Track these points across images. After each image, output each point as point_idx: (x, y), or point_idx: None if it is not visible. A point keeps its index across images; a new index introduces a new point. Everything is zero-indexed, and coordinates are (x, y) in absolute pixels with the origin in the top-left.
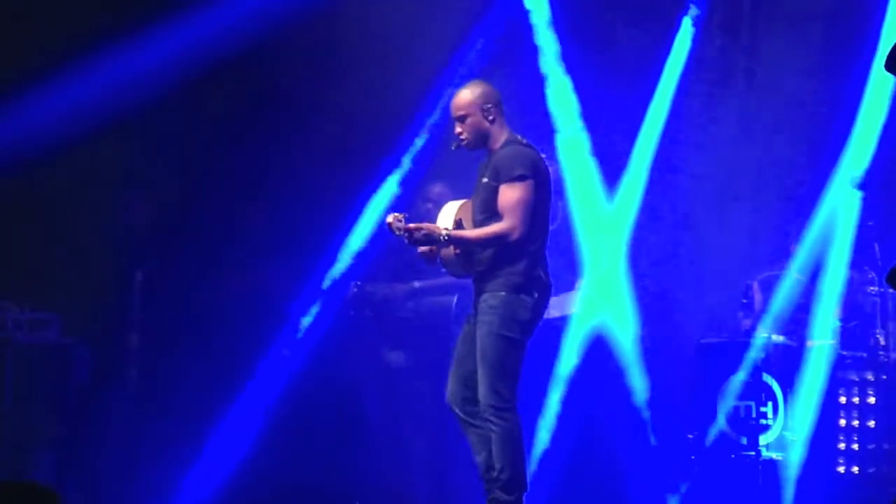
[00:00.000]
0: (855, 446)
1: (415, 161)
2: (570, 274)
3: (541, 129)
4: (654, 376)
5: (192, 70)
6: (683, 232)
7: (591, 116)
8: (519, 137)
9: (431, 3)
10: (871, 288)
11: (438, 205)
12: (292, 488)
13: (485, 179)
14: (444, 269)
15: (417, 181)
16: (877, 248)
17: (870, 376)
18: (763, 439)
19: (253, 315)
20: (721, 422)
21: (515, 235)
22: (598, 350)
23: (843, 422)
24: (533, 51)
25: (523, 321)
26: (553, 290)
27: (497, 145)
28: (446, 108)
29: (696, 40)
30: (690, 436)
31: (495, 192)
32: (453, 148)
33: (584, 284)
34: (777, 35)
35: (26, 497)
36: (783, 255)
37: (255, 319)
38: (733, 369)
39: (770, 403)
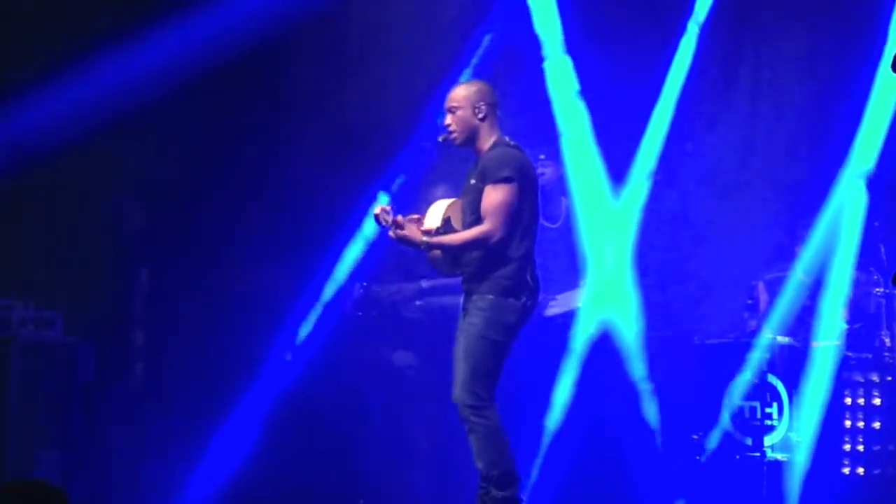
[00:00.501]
0: (860, 447)
1: (417, 163)
2: (573, 272)
3: (545, 128)
4: (658, 377)
5: (193, 70)
6: (687, 232)
7: (597, 116)
8: (508, 140)
9: (435, 3)
10: (877, 289)
11: None
12: (297, 487)
13: (472, 181)
14: (433, 269)
15: (420, 183)
16: (882, 249)
17: (875, 377)
18: (768, 440)
19: (258, 313)
20: (726, 423)
21: (496, 238)
22: (603, 350)
23: (848, 423)
24: (538, 50)
25: (510, 324)
26: (556, 289)
27: (486, 146)
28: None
29: (702, 42)
30: (695, 436)
31: (482, 193)
32: (440, 140)
33: (588, 283)
34: (783, 36)
35: (37, 497)
36: (788, 255)
37: (259, 318)
38: (738, 370)
39: (775, 404)
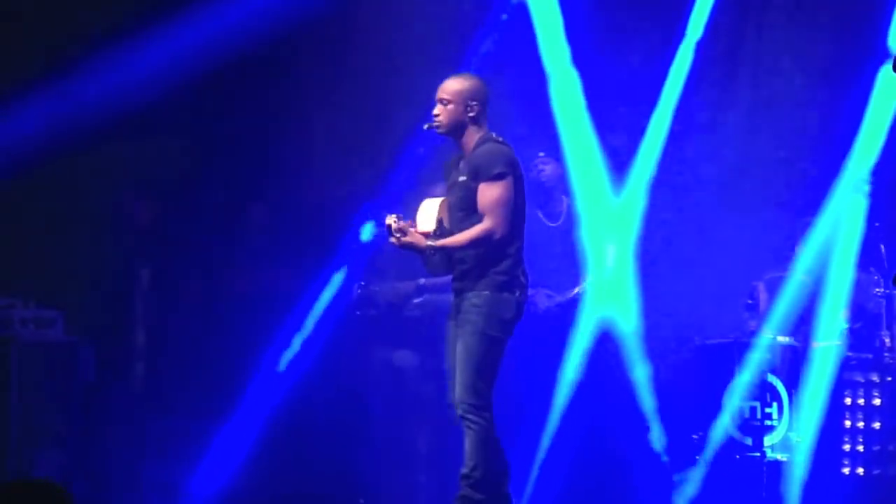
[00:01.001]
0: (860, 448)
1: (417, 162)
2: (574, 271)
3: (546, 127)
4: (658, 377)
5: (195, 69)
6: (687, 232)
7: (598, 116)
8: (494, 135)
9: (436, 3)
10: (877, 289)
11: None
12: (296, 487)
13: (462, 178)
14: (426, 270)
15: (418, 181)
16: (883, 249)
17: (875, 378)
18: (768, 440)
19: (258, 313)
20: (726, 423)
21: (499, 234)
22: (603, 350)
23: (848, 423)
24: (539, 49)
25: (507, 320)
26: (556, 288)
27: (472, 142)
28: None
29: (702, 43)
30: (695, 436)
31: (474, 190)
32: (425, 128)
33: (589, 283)
34: (783, 37)
35: (43, 497)
36: (789, 255)
37: (259, 318)
38: (739, 370)
39: (775, 404)
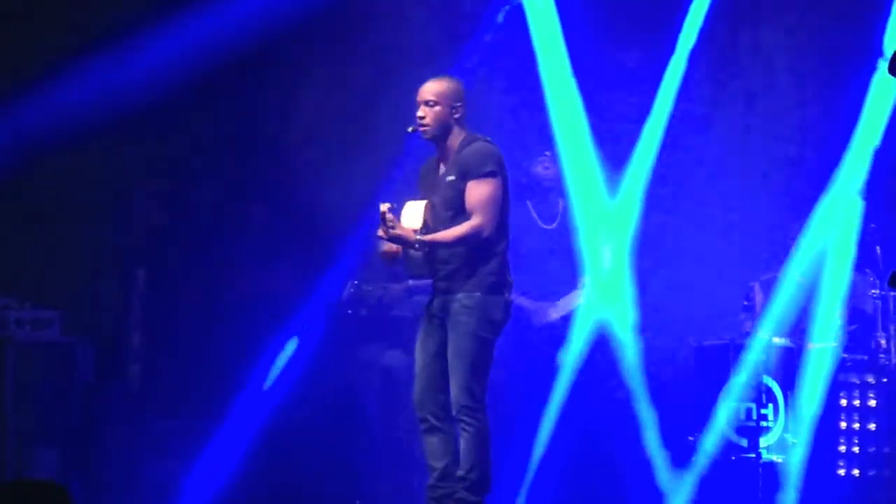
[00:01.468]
0: (856, 449)
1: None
2: (570, 274)
3: (542, 128)
4: (654, 378)
5: (194, 69)
6: (683, 233)
7: (594, 118)
8: (479, 136)
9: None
10: (873, 291)
11: None
12: (293, 487)
13: (451, 178)
14: (407, 271)
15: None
16: (878, 250)
17: (871, 379)
18: (763, 441)
19: (256, 314)
20: (721, 424)
21: (487, 232)
22: (599, 352)
23: (843, 424)
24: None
25: (497, 321)
26: (553, 290)
27: (455, 144)
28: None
29: (699, 44)
30: (691, 438)
31: (462, 190)
32: (409, 131)
33: (586, 285)
34: (779, 38)
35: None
36: (785, 256)
37: (258, 318)
38: (734, 371)
39: (771, 405)
